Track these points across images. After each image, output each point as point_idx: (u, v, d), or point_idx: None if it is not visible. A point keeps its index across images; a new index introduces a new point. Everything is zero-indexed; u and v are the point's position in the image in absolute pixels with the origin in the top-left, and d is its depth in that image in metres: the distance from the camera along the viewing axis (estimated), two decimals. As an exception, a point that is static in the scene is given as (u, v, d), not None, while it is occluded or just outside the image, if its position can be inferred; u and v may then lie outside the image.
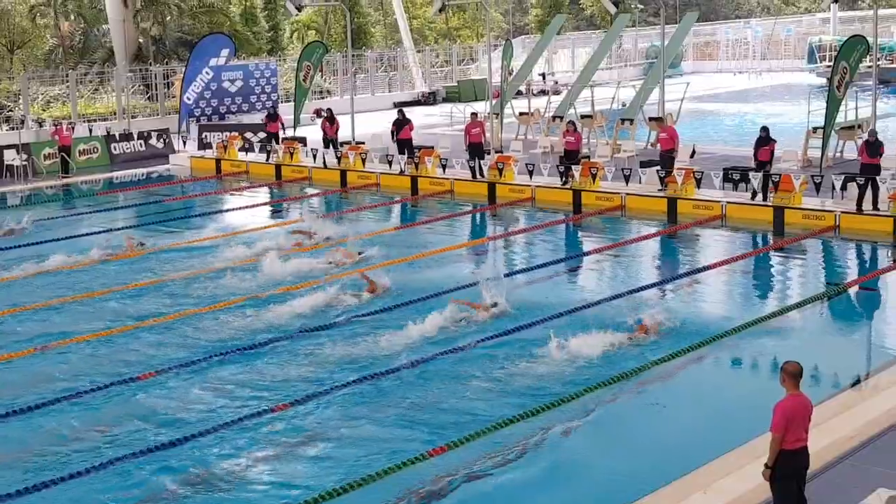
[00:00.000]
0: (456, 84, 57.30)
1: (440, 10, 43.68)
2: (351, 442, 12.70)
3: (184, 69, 42.65)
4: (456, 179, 29.78)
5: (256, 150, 35.93)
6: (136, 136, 38.54)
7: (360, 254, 21.63)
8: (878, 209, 22.97)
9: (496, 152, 31.48)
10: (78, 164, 35.72)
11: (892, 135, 31.04)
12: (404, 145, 31.75)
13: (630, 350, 15.38)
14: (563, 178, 27.74)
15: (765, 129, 26.07)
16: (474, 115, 31.36)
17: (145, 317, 17.98)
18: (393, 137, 32.44)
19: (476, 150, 30.10)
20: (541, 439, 12.50)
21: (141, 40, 49.83)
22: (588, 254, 22.58)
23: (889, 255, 21.80)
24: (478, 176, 29.33)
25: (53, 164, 34.90)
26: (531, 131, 38.59)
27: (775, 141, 26.00)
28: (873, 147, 23.57)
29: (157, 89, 45.17)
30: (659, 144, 27.67)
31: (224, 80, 43.28)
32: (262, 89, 44.64)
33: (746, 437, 11.70)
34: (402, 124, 32.13)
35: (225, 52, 43.03)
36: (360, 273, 19.62)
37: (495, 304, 17.38)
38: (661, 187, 26.03)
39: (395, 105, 47.46)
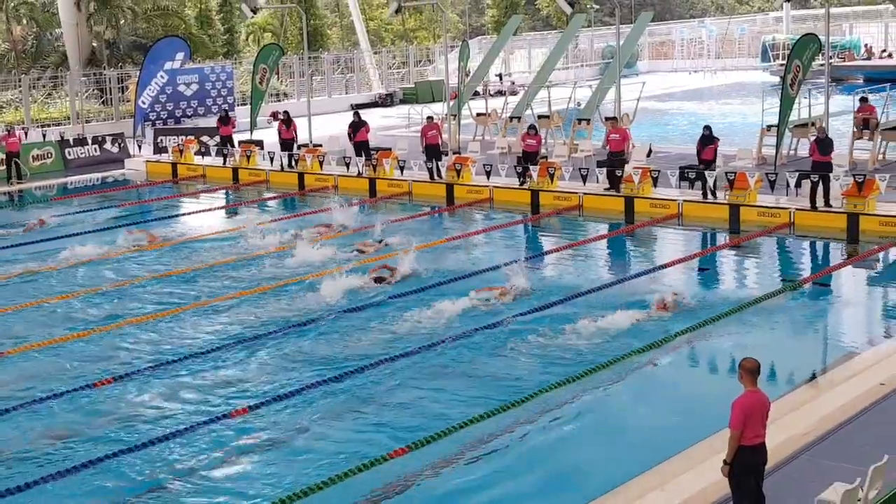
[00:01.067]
0: (413, 85, 57.33)
1: (396, 12, 43.69)
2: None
3: (138, 73, 42.32)
4: (414, 181, 29.78)
5: (213, 153, 35.71)
6: (90, 141, 38.14)
7: (381, 242, 22.76)
8: (830, 206, 23.22)
9: (454, 153, 31.50)
10: (32, 169, 35.31)
11: (844, 131, 31.36)
12: (361, 147, 31.70)
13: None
14: (521, 179, 27.80)
15: (708, 128, 26.23)
16: (430, 118, 31.52)
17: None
18: (350, 140, 32.37)
19: (433, 151, 30.20)
20: (501, 436, 12.52)
21: (95, 44, 49.35)
22: (550, 252, 22.67)
23: (842, 251, 22.04)
24: (435, 177, 29.35)
25: (4, 169, 34.48)
26: (488, 132, 38.64)
27: (718, 139, 26.22)
28: (824, 145, 23.80)
29: (111, 93, 44.80)
30: (609, 145, 27.60)
31: (179, 83, 43.02)
32: (219, 92, 44.41)
33: (705, 434, 11.78)
34: (358, 126, 32.08)
35: (180, 55, 42.71)
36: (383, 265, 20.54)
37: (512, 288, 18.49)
38: (614, 191, 26.09)
39: (353, 107, 47.48)
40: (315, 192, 30.84)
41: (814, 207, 23.33)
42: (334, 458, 12.16)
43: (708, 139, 25.89)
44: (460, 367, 15.10)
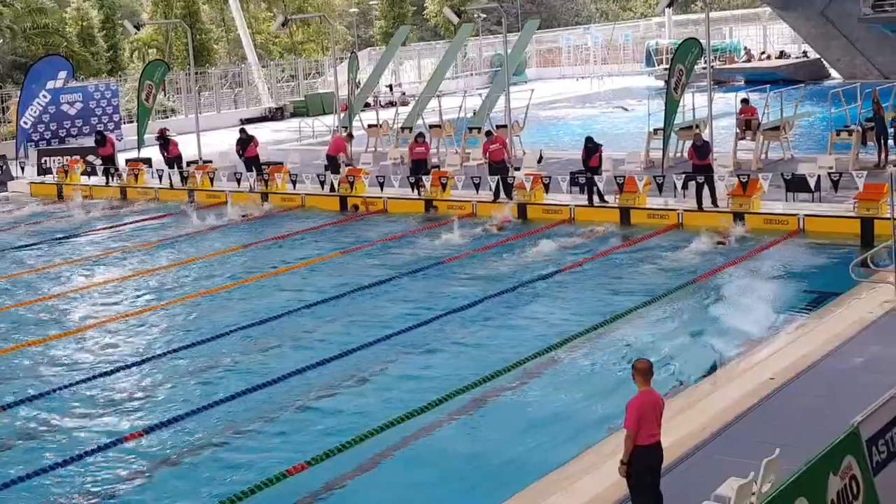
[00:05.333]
0: (303, 98, 56.99)
1: (283, 25, 43.47)
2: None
3: (19, 93, 41.28)
4: (307, 194, 29.63)
5: (99, 173, 35.00)
6: (-30, 164, 37.09)
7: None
8: (717, 206, 23.72)
9: (346, 165, 31.42)
10: None
11: (727, 133, 32.04)
12: (252, 163, 31.39)
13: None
14: (416, 189, 27.82)
15: (589, 139, 26.52)
16: (345, 127, 31.94)
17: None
18: (240, 156, 32.02)
19: (333, 163, 30.51)
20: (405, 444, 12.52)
21: (-28, 64, 48.05)
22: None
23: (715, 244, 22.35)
24: (325, 189, 29.31)
25: None
26: (381, 143, 38.60)
27: (602, 145, 26.62)
28: (701, 150, 24.39)
29: (-9, 114, 43.62)
30: (490, 156, 27.54)
31: (63, 102, 42.05)
32: (104, 111, 43.50)
33: (602, 436, 11.90)
34: (246, 142, 31.76)
35: (62, 73, 41.82)
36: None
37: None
38: (507, 200, 26.31)
39: (242, 122, 47.01)
40: (207, 208, 30.39)
41: (700, 208, 23.82)
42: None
43: (592, 150, 26.18)
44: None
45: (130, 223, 29.22)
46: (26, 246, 26.66)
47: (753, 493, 8.87)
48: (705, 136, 25.93)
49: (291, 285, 21.02)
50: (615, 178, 25.25)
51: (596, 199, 25.33)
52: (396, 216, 27.44)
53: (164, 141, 33.62)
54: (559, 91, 60.51)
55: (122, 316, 19.31)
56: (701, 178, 23.89)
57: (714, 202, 23.79)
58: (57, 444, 13.43)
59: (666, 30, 71.42)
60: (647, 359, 9.81)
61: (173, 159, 33.16)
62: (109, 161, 34.51)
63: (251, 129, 34.31)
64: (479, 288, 19.79)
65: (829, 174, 23.87)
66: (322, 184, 29.52)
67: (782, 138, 30.35)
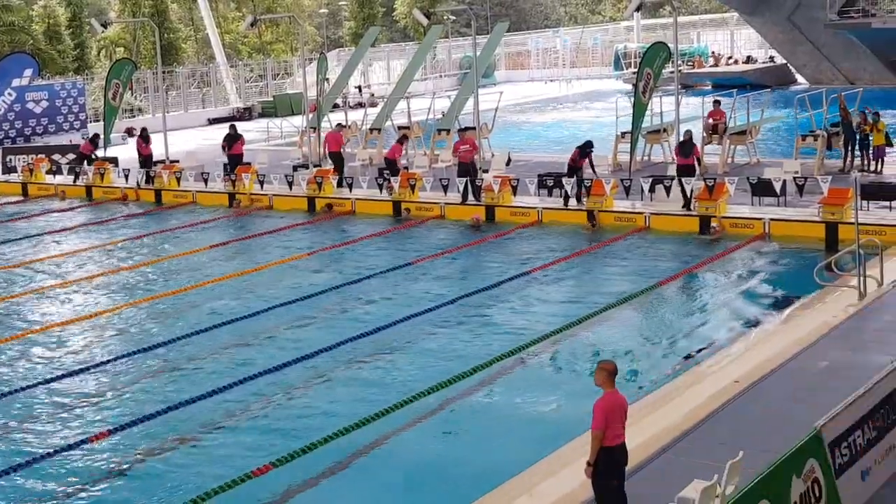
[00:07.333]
0: (272, 99, 56.79)
1: (252, 25, 43.19)
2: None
3: (-16, 91, 40.94)
4: (275, 195, 29.53)
5: (65, 171, 34.73)
6: (-66, 162, 36.70)
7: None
8: (690, 208, 23.78)
9: (314, 166, 31.36)
10: None
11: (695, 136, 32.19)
12: (235, 161, 31.29)
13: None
14: (386, 190, 27.79)
15: (589, 144, 26.48)
16: (339, 125, 33.25)
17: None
18: (224, 153, 31.96)
19: (336, 159, 30.70)
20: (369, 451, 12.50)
21: (-64, 62, 47.44)
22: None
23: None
24: (292, 189, 29.26)
25: None
26: (349, 144, 38.47)
27: (592, 151, 26.69)
28: (685, 147, 24.44)
29: (-45, 113, 43.14)
30: (460, 157, 27.58)
31: (28, 100, 41.74)
32: (70, 109, 43.21)
33: (567, 438, 11.93)
34: (233, 140, 31.69)
35: (28, 71, 41.55)
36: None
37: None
38: (475, 201, 26.35)
39: (210, 121, 46.81)
40: (174, 208, 30.23)
41: (686, 206, 23.86)
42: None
43: (585, 154, 26.20)
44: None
45: (99, 222, 29.08)
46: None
47: (717, 496, 8.92)
48: (672, 139, 26.04)
49: (261, 285, 20.91)
50: (583, 181, 25.32)
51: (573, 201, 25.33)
52: (365, 217, 27.38)
53: (146, 138, 33.40)
54: (528, 94, 60.66)
55: (95, 314, 19.19)
56: (668, 182, 24.00)
57: (687, 204, 23.82)
58: (18, 445, 13.31)
59: (634, 34, 71.75)
60: (612, 360, 9.84)
61: (148, 158, 32.99)
62: (87, 159, 34.24)
63: (225, 129, 34.13)
64: (446, 290, 19.77)
65: (795, 179, 24.06)
66: (290, 184, 29.40)
67: (749, 142, 30.54)
